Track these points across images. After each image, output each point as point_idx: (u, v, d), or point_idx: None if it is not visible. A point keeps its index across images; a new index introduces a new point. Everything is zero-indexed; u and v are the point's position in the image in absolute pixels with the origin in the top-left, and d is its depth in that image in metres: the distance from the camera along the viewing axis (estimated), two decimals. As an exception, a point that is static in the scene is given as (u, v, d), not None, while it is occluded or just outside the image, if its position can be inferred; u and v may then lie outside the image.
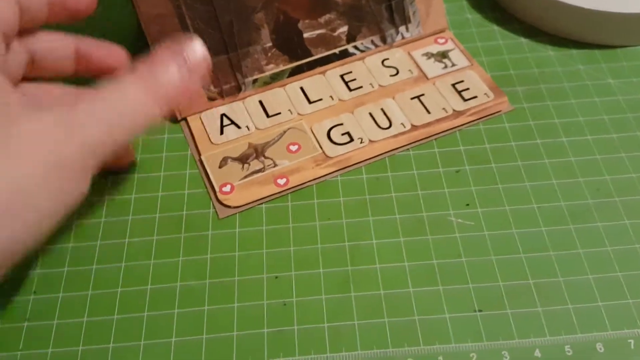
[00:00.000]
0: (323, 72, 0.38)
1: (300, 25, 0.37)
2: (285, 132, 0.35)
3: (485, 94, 0.37)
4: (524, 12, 0.41)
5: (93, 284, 0.30)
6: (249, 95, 0.37)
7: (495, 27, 0.42)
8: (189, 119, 0.36)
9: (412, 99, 0.37)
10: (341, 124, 0.36)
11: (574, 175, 0.33)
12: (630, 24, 0.39)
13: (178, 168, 0.35)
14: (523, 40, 0.41)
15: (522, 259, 0.30)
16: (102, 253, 0.31)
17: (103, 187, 0.34)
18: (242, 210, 0.33)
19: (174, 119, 0.37)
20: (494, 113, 0.36)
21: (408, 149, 0.35)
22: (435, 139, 0.35)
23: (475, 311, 0.29)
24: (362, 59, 0.39)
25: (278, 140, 0.35)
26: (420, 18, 0.39)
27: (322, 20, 0.37)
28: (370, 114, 0.36)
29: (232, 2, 0.35)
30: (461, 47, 0.39)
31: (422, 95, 0.37)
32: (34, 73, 0.30)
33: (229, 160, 0.34)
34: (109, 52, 0.31)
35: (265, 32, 0.36)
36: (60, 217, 0.25)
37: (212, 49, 0.34)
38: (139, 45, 0.34)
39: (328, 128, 0.36)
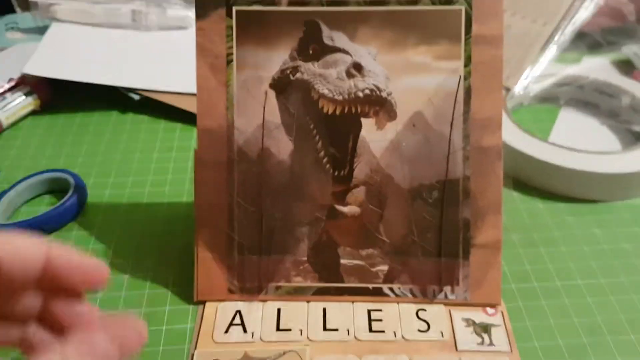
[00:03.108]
0: (352, 300, 0.37)
1: (340, 250, 0.37)
2: (285, 353, 0.34)
3: None
4: (514, 169, 0.47)
5: None
6: (271, 300, 0.37)
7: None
8: (207, 304, 0.37)
9: None
10: None
11: (569, 316, 0.37)
12: (610, 183, 0.44)
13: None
14: (515, 194, 0.46)
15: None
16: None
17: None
18: None
19: (191, 300, 0.38)
20: None
21: None
22: None
23: None
24: (397, 302, 0.37)
25: (271, 358, 0.34)
26: (470, 284, 0.37)
27: (363, 252, 0.37)
28: None
29: (281, 213, 0.37)
30: (508, 327, 0.36)
31: None
32: None
33: None
34: (86, 273, 0.26)
35: (303, 246, 0.37)
36: None
37: (247, 248, 0.37)
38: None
39: None
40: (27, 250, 0.25)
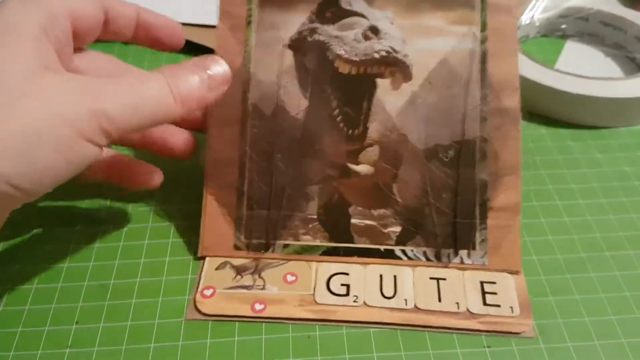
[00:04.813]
0: (364, 264, 0.36)
1: (351, 209, 0.36)
2: (292, 259, 0.36)
3: (511, 307, 0.33)
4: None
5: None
6: (275, 259, 0.36)
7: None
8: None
9: (431, 278, 0.34)
10: (347, 274, 0.35)
11: (568, 233, 0.37)
12: (613, 107, 0.44)
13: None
14: (518, 120, 0.46)
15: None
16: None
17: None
18: (210, 320, 0.33)
19: (194, 257, 0.37)
20: (510, 332, 0.32)
21: (396, 329, 0.33)
22: (430, 332, 0.32)
23: (484, 347, 0.32)
24: (410, 266, 0.36)
25: (281, 264, 0.35)
26: (488, 249, 0.36)
27: (375, 212, 0.36)
28: (381, 276, 0.35)
29: (292, 170, 0.36)
30: None
31: (444, 279, 0.34)
32: (102, 36, 0.33)
33: (228, 266, 0.35)
34: (166, 28, 0.35)
35: (313, 204, 0.36)
36: (61, 175, 0.26)
37: (256, 203, 0.36)
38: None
39: (332, 273, 0.35)
40: (126, 5, 0.33)
